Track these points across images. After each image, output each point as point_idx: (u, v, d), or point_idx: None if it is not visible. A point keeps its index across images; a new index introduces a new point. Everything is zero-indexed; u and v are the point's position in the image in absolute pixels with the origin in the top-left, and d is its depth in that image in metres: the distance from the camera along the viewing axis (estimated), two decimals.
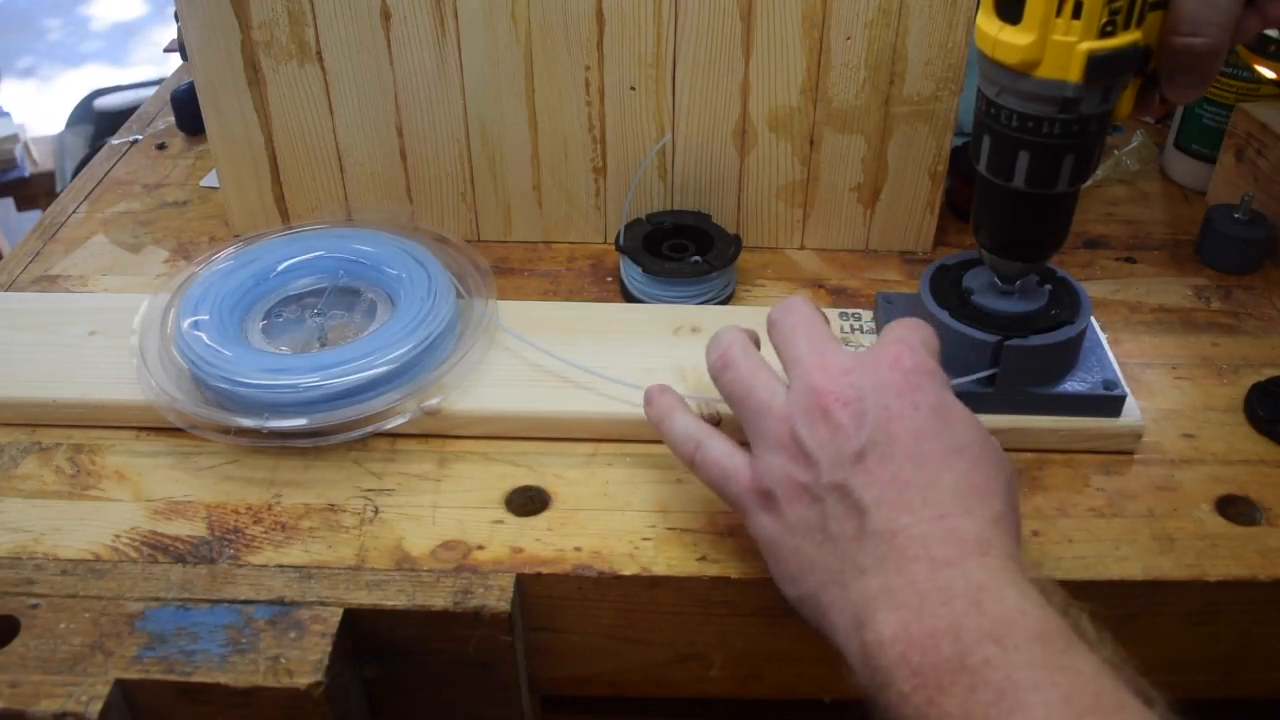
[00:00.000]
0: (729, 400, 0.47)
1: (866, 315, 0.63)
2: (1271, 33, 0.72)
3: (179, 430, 0.55)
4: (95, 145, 1.67)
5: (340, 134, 0.70)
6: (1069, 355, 0.56)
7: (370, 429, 0.55)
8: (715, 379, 0.48)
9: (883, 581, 0.39)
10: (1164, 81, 0.48)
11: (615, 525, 0.51)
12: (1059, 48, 0.44)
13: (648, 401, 0.51)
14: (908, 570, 0.38)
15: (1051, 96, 0.46)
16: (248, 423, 0.53)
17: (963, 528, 0.39)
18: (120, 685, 0.43)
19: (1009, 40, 0.45)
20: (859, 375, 0.43)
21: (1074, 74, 0.44)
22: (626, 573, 0.49)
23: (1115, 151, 0.83)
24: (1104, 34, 0.43)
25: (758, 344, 0.49)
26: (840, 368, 0.43)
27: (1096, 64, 0.44)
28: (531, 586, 0.49)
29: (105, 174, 0.84)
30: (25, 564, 0.49)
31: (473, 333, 0.59)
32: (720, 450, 0.46)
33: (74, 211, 0.79)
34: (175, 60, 1.03)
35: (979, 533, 0.39)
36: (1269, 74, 0.74)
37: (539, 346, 0.59)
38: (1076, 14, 0.43)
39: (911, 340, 0.44)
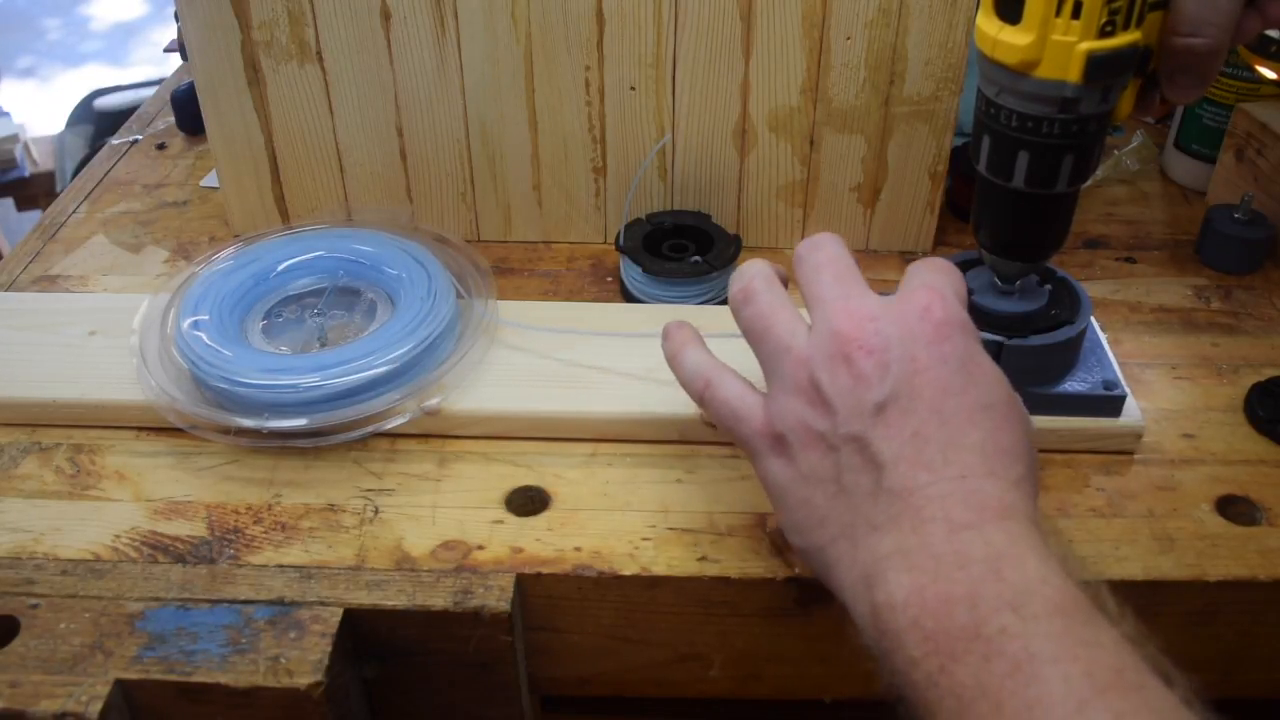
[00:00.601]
0: (748, 336, 0.45)
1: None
2: (1272, 33, 0.72)
3: (179, 430, 0.55)
4: (95, 145, 1.67)
5: (340, 134, 0.70)
6: (1069, 355, 0.56)
7: (370, 429, 0.55)
8: (735, 313, 0.46)
9: (897, 540, 0.37)
10: (1164, 82, 0.48)
11: (615, 525, 0.51)
12: (1058, 48, 0.44)
13: (665, 335, 0.49)
14: (924, 531, 0.37)
15: (1051, 96, 0.46)
16: (248, 423, 0.53)
17: (985, 489, 0.37)
18: (120, 685, 0.43)
19: (1008, 40, 0.45)
20: (885, 322, 0.41)
21: (1073, 74, 0.44)
22: (626, 573, 0.49)
23: (1115, 151, 0.84)
24: (1103, 34, 0.43)
25: (785, 282, 0.47)
26: (867, 313, 0.41)
27: (1096, 64, 0.44)
28: (531, 586, 0.49)
29: (105, 174, 0.84)
30: (25, 564, 0.49)
31: (473, 333, 0.59)
32: (733, 389, 0.45)
33: (74, 211, 0.79)
34: (175, 60, 1.03)
35: (1002, 496, 0.37)
36: (1270, 74, 0.74)
37: (539, 346, 0.59)
38: (1076, 14, 0.43)
39: (943, 288, 0.42)
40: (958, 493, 0.37)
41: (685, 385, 0.47)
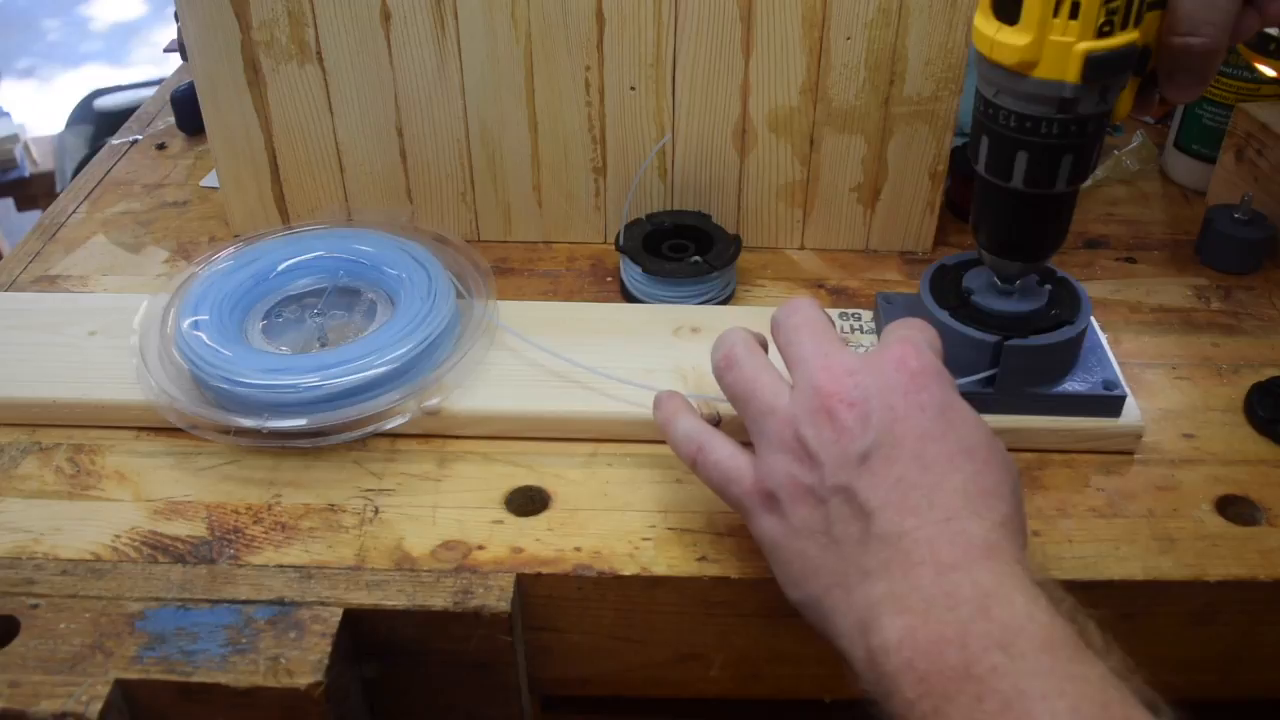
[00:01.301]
0: (733, 401, 0.47)
1: (866, 315, 0.63)
2: (1271, 31, 0.72)
3: (179, 430, 0.55)
4: (95, 145, 1.67)
5: (340, 134, 0.70)
6: (1069, 355, 0.56)
7: (370, 429, 0.55)
8: (719, 379, 0.48)
9: (888, 586, 0.38)
10: (1163, 81, 0.48)
11: (615, 525, 0.51)
12: (1056, 48, 0.44)
13: (656, 405, 0.51)
14: (914, 574, 0.38)
15: (1049, 97, 0.46)
16: (248, 423, 0.53)
17: (970, 530, 0.38)
18: (120, 685, 0.43)
19: (1006, 41, 0.45)
20: (864, 376, 0.42)
21: (1072, 74, 0.44)
22: (626, 573, 0.49)
23: (1115, 151, 0.84)
24: (1101, 34, 0.43)
25: (765, 346, 0.49)
26: (845, 368, 0.43)
27: (1094, 64, 0.44)
28: (531, 586, 0.49)
29: (105, 174, 0.84)
30: (25, 564, 0.49)
31: (473, 333, 0.59)
32: (723, 452, 0.46)
33: (74, 211, 0.79)
34: (175, 60, 1.03)
35: (986, 536, 0.38)
36: (1269, 72, 0.74)
37: (539, 346, 0.59)
38: (1074, 14, 0.43)
39: (917, 341, 0.44)
40: (944, 535, 0.38)
41: (678, 452, 0.48)
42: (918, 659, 0.36)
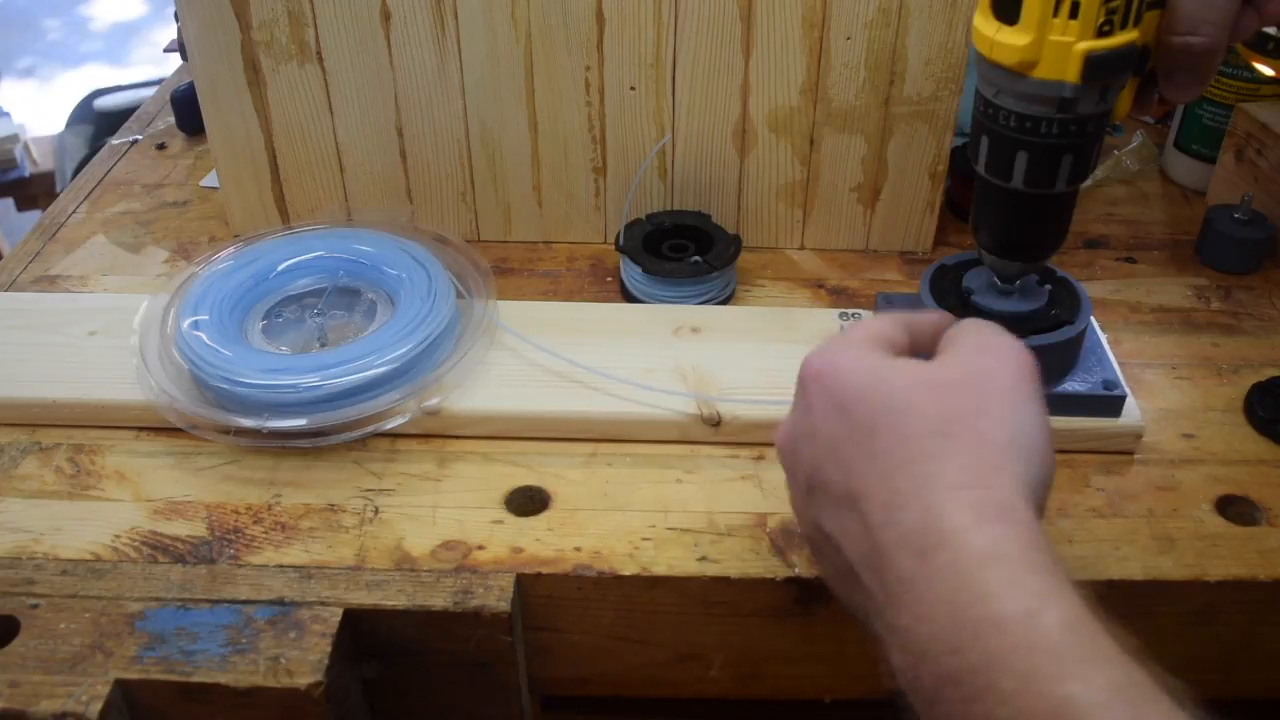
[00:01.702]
0: None
1: (867, 315, 0.63)
2: (1270, 30, 0.72)
3: (179, 430, 0.55)
4: (95, 145, 1.67)
5: (340, 134, 0.70)
6: (1069, 355, 0.56)
7: (370, 429, 0.55)
8: None
9: (883, 620, 0.36)
10: (1162, 80, 0.48)
11: (615, 525, 0.51)
12: (1056, 48, 0.44)
13: None
14: (889, 598, 0.36)
15: (1049, 97, 0.46)
16: (248, 423, 0.53)
17: (904, 523, 0.36)
18: (120, 685, 0.43)
19: (1006, 41, 0.45)
20: (791, 415, 0.42)
21: (1072, 74, 0.44)
22: (626, 573, 0.49)
23: (1115, 151, 0.84)
24: (1101, 34, 0.43)
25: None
26: (786, 416, 0.43)
27: (1094, 64, 0.44)
28: (531, 586, 0.49)
29: (105, 174, 0.84)
30: (25, 564, 0.49)
31: (473, 333, 0.59)
32: None
33: (74, 211, 0.79)
34: (175, 60, 1.03)
35: (922, 521, 0.35)
36: (1268, 71, 0.74)
37: (539, 346, 0.59)
38: (1074, 14, 0.43)
39: (820, 348, 0.42)
40: (893, 541, 0.36)
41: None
42: (935, 703, 0.34)
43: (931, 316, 0.45)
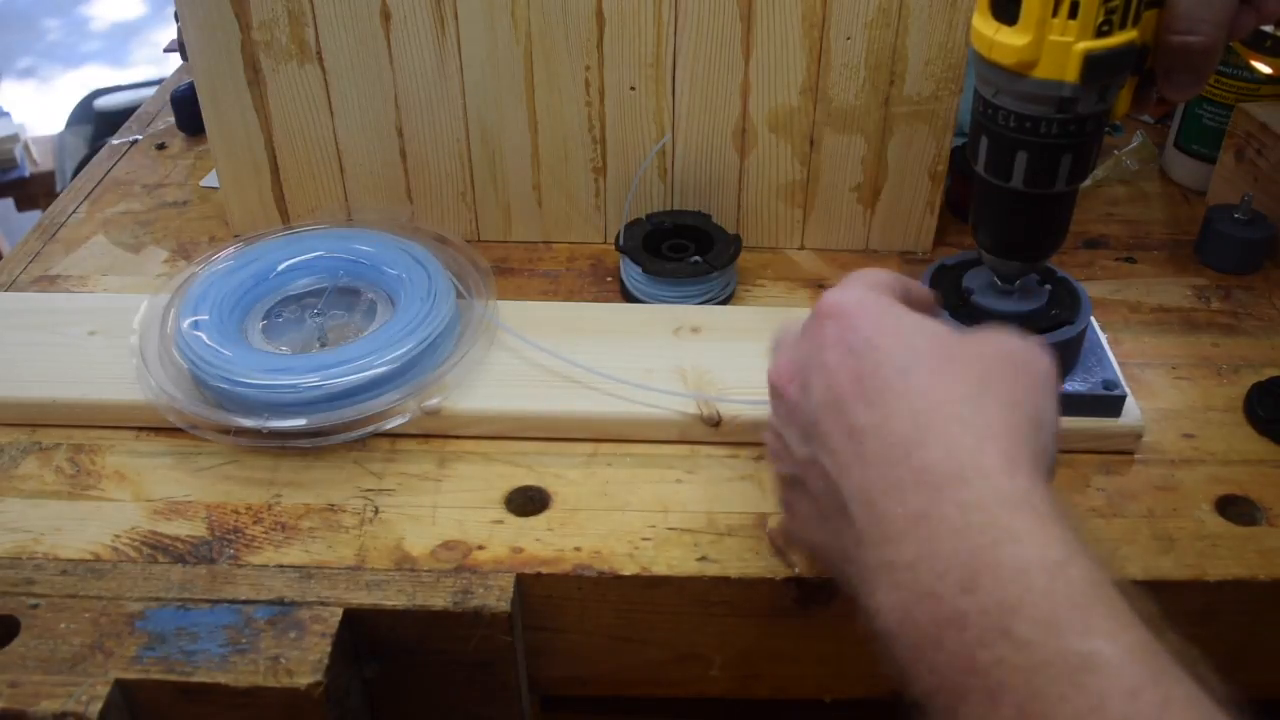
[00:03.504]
0: None
1: None
2: (1267, 28, 0.72)
3: (179, 430, 0.55)
4: (95, 145, 1.67)
5: (340, 134, 0.70)
6: (1069, 355, 0.56)
7: (370, 429, 0.55)
8: None
9: (877, 554, 0.35)
10: (1160, 79, 0.48)
11: (615, 525, 0.51)
12: (1056, 48, 0.44)
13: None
14: (890, 533, 0.35)
15: (1049, 97, 0.46)
16: (248, 423, 0.53)
17: (928, 460, 0.35)
18: (120, 685, 0.43)
19: (1005, 41, 0.45)
20: (796, 346, 0.42)
21: (1071, 74, 0.44)
22: (626, 573, 0.49)
23: (1115, 151, 0.84)
24: (1100, 34, 0.43)
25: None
26: (784, 346, 0.43)
27: (1093, 64, 0.44)
28: (531, 586, 0.49)
29: (105, 174, 0.84)
30: (25, 564, 0.49)
31: (473, 333, 0.59)
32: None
33: (74, 211, 0.79)
34: (175, 60, 1.03)
35: (948, 459, 0.35)
36: (1265, 69, 0.74)
37: (539, 346, 0.59)
38: (1073, 14, 0.43)
39: (843, 283, 0.42)
40: (905, 478, 0.35)
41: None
42: (924, 645, 0.33)
43: (925, 290, 0.46)
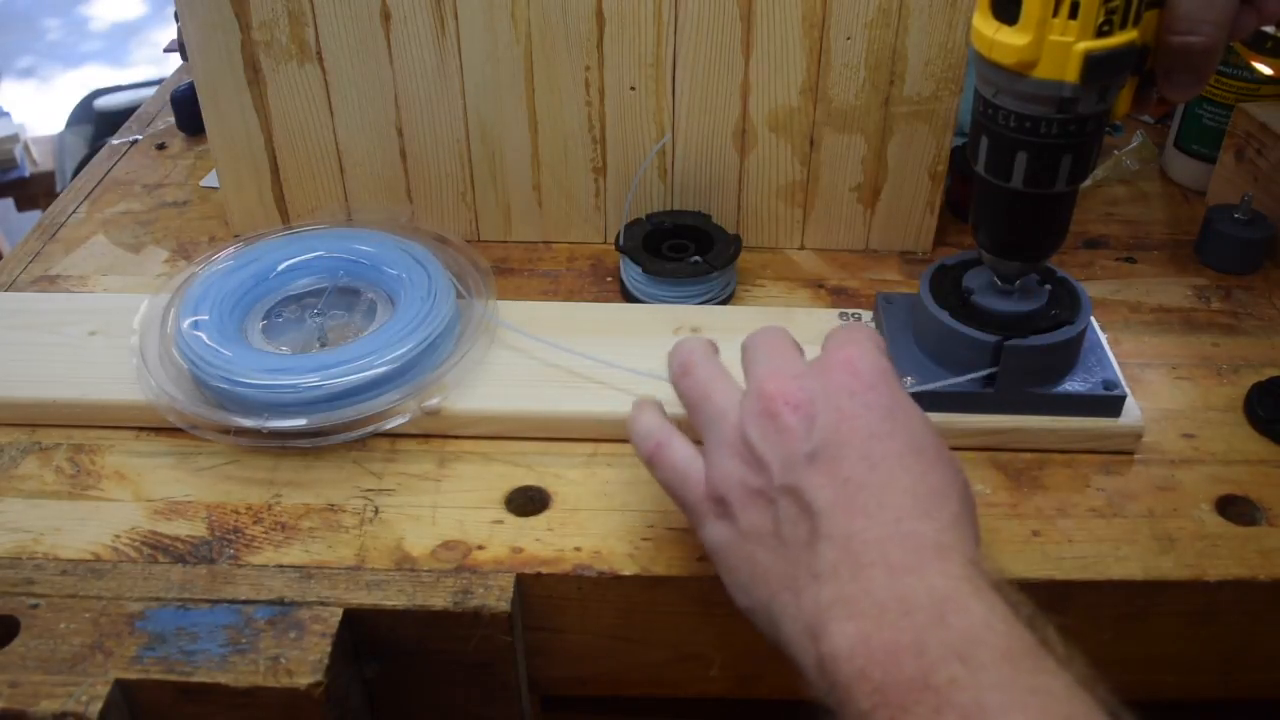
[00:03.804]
0: (687, 408, 0.46)
1: (866, 315, 0.63)
2: (1268, 29, 0.72)
3: (179, 430, 0.55)
4: (95, 145, 1.67)
5: (340, 134, 0.70)
6: (1069, 355, 0.56)
7: (370, 429, 0.55)
8: (675, 385, 0.47)
9: (837, 589, 0.37)
10: (1161, 79, 0.48)
11: (615, 525, 0.51)
12: (1056, 48, 0.44)
13: (635, 403, 0.49)
14: (864, 577, 0.37)
15: (1049, 97, 0.46)
16: (247, 423, 0.53)
17: (920, 531, 0.38)
18: (120, 685, 0.43)
19: (1006, 41, 0.45)
20: (809, 379, 0.42)
21: (1071, 74, 0.44)
22: (626, 573, 0.49)
23: (1115, 151, 0.84)
24: (1101, 34, 0.43)
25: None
26: (791, 373, 0.43)
27: (1094, 64, 0.44)
28: (531, 586, 0.49)
29: (105, 174, 0.84)
30: (25, 564, 0.49)
31: (473, 333, 0.59)
32: (681, 453, 0.45)
33: (74, 211, 0.79)
34: (175, 60, 1.03)
35: (937, 537, 0.37)
36: (1265, 69, 0.74)
37: (540, 340, 0.59)
38: (1073, 14, 0.43)
39: (863, 343, 0.43)
40: (894, 536, 0.37)
41: (636, 445, 0.47)
42: (871, 668, 0.34)
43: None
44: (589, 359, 0.58)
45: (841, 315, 0.63)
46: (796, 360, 0.44)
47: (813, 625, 0.37)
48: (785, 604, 0.39)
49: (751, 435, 0.42)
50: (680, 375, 0.47)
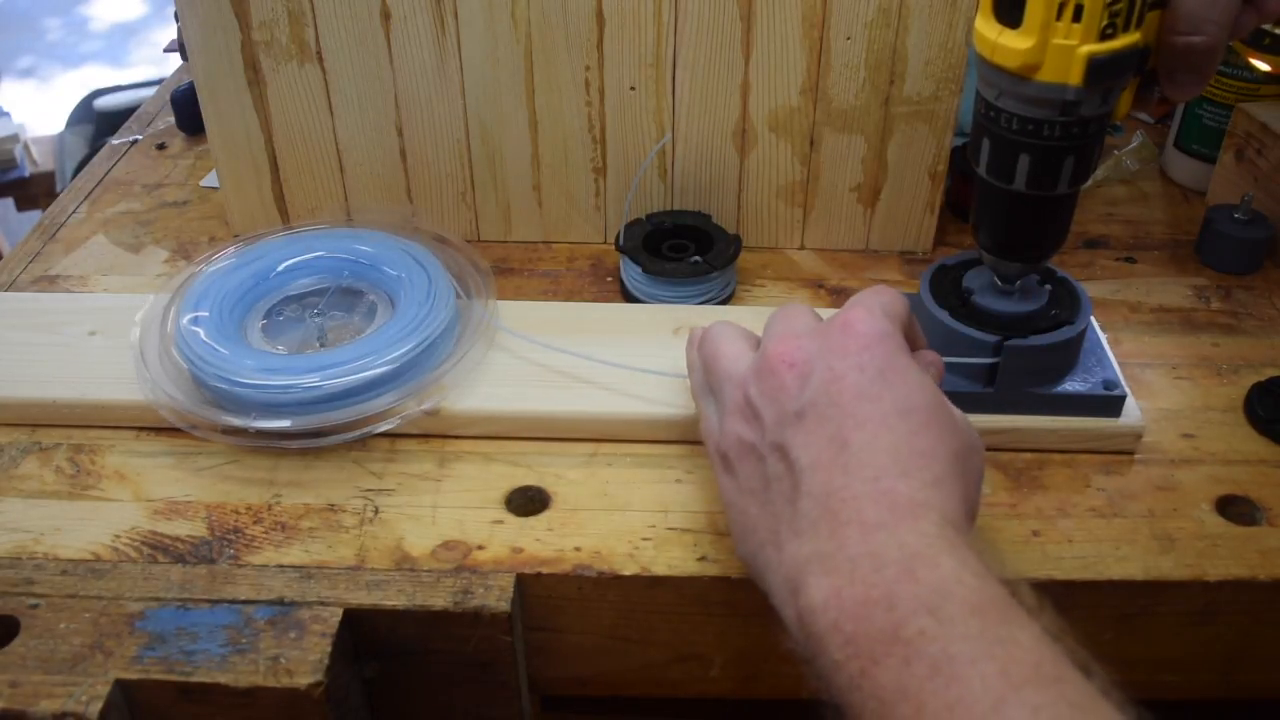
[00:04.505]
0: (704, 371, 0.49)
1: None
2: (1266, 25, 0.72)
3: (179, 430, 0.55)
4: (95, 145, 1.67)
5: (340, 134, 0.70)
6: (1069, 355, 0.56)
7: (370, 429, 0.55)
8: (697, 348, 0.50)
9: (815, 545, 0.38)
10: (1164, 79, 0.48)
11: (615, 525, 0.51)
12: (1059, 51, 0.44)
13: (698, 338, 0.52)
14: (840, 534, 0.38)
15: (1052, 100, 0.46)
16: (247, 423, 0.53)
17: (896, 490, 0.38)
18: (120, 685, 0.43)
19: (1009, 44, 0.45)
20: (809, 340, 0.43)
21: (1074, 77, 0.44)
22: (626, 573, 0.49)
23: (1115, 152, 0.84)
24: (1104, 36, 0.43)
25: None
26: (794, 333, 0.44)
27: (1097, 67, 0.44)
28: (531, 586, 0.49)
29: (105, 174, 0.84)
30: (25, 564, 0.49)
31: (472, 333, 0.59)
32: (710, 409, 0.48)
33: (74, 211, 0.79)
34: (175, 60, 1.03)
35: (913, 496, 0.38)
36: (1264, 66, 0.74)
37: (540, 343, 0.59)
38: (1077, 17, 0.43)
39: (870, 305, 0.44)
40: (870, 494, 0.38)
41: (693, 392, 0.50)
42: (844, 620, 0.36)
43: (919, 329, 0.49)
44: (589, 359, 0.58)
45: None
46: (807, 323, 0.46)
47: (792, 579, 0.39)
48: (769, 557, 0.41)
49: (751, 392, 0.44)
50: (700, 340, 0.50)
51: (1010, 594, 0.36)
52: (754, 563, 0.43)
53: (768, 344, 0.45)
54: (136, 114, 0.96)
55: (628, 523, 0.51)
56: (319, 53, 0.66)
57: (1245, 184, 0.73)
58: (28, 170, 1.96)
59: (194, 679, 0.43)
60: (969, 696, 0.32)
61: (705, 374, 0.49)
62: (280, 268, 0.62)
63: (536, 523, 0.52)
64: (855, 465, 0.39)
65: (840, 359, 0.42)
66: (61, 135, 1.86)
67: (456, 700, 0.50)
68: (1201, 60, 0.46)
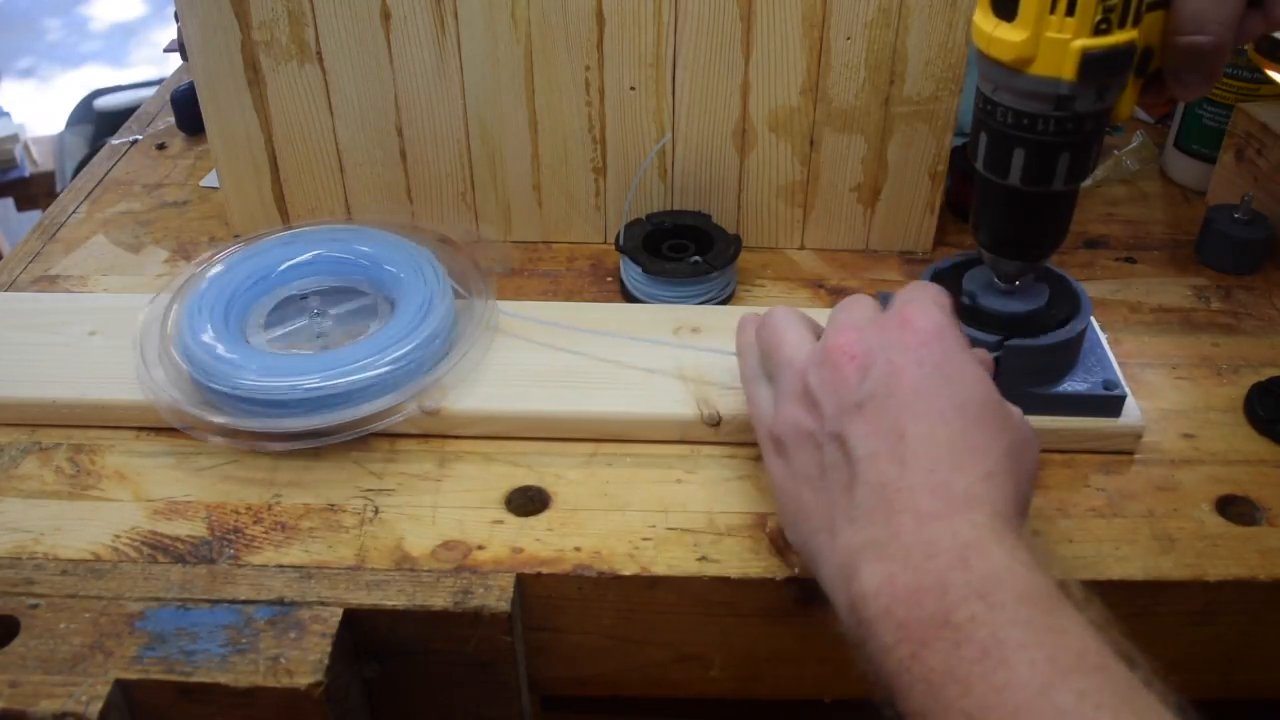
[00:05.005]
0: (763, 354, 0.49)
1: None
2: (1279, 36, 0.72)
3: (179, 430, 0.55)
4: (95, 145, 1.67)
5: (340, 134, 0.70)
6: (1069, 355, 0.56)
7: (370, 429, 0.55)
8: (757, 333, 0.50)
9: (870, 533, 0.39)
10: (1170, 80, 0.48)
11: (615, 525, 0.51)
12: (1053, 45, 0.44)
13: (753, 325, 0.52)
14: (895, 523, 0.39)
15: (1046, 94, 0.46)
16: (248, 423, 0.53)
17: (951, 482, 0.39)
18: (120, 685, 0.43)
19: (1004, 37, 0.45)
20: (869, 332, 0.44)
21: (1068, 71, 0.44)
22: (626, 573, 0.49)
23: (1115, 151, 0.84)
24: (1098, 32, 0.43)
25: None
26: (854, 325, 0.45)
27: (1090, 62, 0.44)
28: (531, 586, 0.49)
29: (105, 174, 0.84)
30: (25, 564, 0.49)
31: (473, 333, 0.59)
32: (764, 393, 0.49)
33: (74, 211, 0.79)
34: (175, 60, 1.03)
35: (968, 489, 0.39)
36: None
37: (540, 344, 0.59)
38: (1070, 11, 0.43)
39: (924, 301, 0.45)
40: (926, 485, 0.39)
41: (742, 373, 0.52)
42: (896, 606, 0.37)
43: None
44: (589, 359, 0.58)
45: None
46: (869, 315, 0.46)
47: (845, 565, 0.40)
48: (822, 543, 0.42)
49: (811, 381, 0.45)
50: (761, 324, 0.50)
51: (1059, 585, 0.37)
52: (807, 549, 0.44)
53: (830, 335, 0.46)
54: (136, 114, 0.96)
55: (628, 523, 0.51)
56: (319, 53, 0.66)
57: (1245, 184, 0.73)
58: (28, 170, 1.96)
59: (194, 679, 0.43)
60: (1016, 680, 0.33)
61: (764, 359, 0.49)
62: (280, 268, 0.62)
63: (536, 523, 0.52)
64: (911, 457, 0.40)
65: (900, 353, 0.43)
66: (61, 135, 1.86)
67: (456, 700, 0.50)
68: (1208, 60, 0.46)
